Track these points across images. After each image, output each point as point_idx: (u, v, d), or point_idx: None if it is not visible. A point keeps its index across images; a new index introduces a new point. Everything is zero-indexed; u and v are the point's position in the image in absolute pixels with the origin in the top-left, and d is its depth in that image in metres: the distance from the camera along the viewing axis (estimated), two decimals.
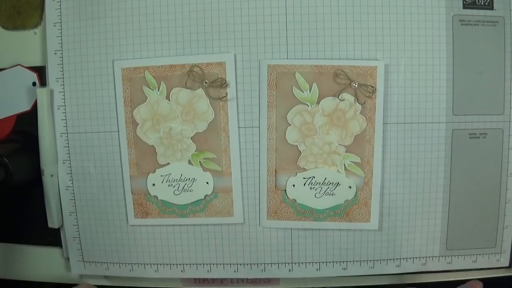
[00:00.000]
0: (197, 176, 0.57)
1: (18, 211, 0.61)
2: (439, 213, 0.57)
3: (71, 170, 0.59)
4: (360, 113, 0.54)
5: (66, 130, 0.58)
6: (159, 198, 0.58)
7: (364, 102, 0.54)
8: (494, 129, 0.56)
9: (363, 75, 0.54)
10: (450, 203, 0.56)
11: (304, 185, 0.56)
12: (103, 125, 0.57)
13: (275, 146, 0.56)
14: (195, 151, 0.56)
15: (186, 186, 0.57)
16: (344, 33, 0.54)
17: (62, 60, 0.57)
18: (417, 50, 0.54)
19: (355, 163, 0.55)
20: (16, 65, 0.59)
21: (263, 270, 0.59)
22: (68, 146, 0.58)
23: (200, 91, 0.55)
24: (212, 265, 0.59)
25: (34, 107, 0.58)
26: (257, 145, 0.56)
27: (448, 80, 0.54)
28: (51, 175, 0.58)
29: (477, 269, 0.58)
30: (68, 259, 0.61)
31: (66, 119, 0.58)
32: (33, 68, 0.58)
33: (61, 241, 0.61)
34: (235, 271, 0.59)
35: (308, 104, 0.54)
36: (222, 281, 0.60)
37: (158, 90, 0.56)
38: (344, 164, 0.55)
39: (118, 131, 0.57)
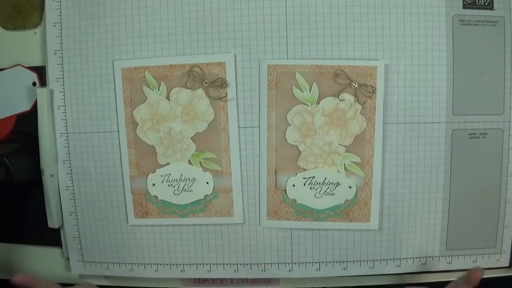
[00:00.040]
0: (197, 176, 0.57)
1: (18, 211, 0.61)
2: (439, 213, 0.57)
3: (71, 170, 0.59)
4: (360, 113, 0.54)
5: (66, 130, 0.58)
6: (159, 198, 0.58)
7: (364, 102, 0.54)
8: (494, 129, 0.56)
9: (363, 75, 0.54)
10: (450, 203, 0.56)
11: (304, 185, 0.56)
12: (103, 125, 0.57)
13: (275, 146, 0.56)
14: (195, 151, 0.56)
15: (186, 186, 0.57)
16: (344, 33, 0.54)
17: (62, 60, 0.57)
18: (417, 50, 0.54)
19: (355, 163, 0.55)
20: (16, 65, 0.59)
21: (263, 270, 0.59)
22: (68, 146, 0.58)
23: (200, 91, 0.55)
24: (212, 265, 0.59)
25: (34, 107, 0.58)
26: (257, 145, 0.56)
27: (448, 80, 0.54)
28: (51, 175, 0.58)
29: None
30: (68, 259, 0.61)
31: (66, 119, 0.58)
32: (33, 68, 0.58)
33: (61, 241, 0.61)
34: (235, 271, 0.59)
35: (308, 104, 0.54)
36: (222, 281, 0.60)
37: (158, 90, 0.56)
38: (344, 164, 0.55)
39: (118, 131, 0.57)
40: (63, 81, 0.57)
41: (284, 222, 0.57)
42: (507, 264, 0.58)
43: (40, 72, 0.58)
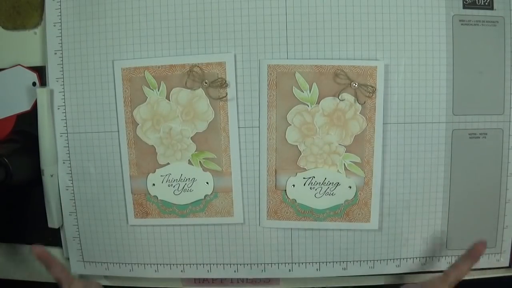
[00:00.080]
0: (197, 176, 0.57)
1: (18, 211, 0.61)
2: (439, 213, 0.57)
3: (71, 170, 0.59)
4: (360, 113, 0.54)
5: (66, 130, 0.58)
6: (159, 198, 0.58)
7: (364, 102, 0.54)
8: (494, 129, 0.56)
9: (363, 75, 0.54)
10: (450, 203, 0.56)
11: (304, 185, 0.56)
12: (103, 125, 0.57)
13: (275, 146, 0.56)
14: (195, 151, 0.56)
15: (186, 186, 0.57)
16: (344, 33, 0.54)
17: (62, 60, 0.57)
18: (417, 50, 0.54)
19: (355, 163, 0.55)
20: (16, 65, 0.59)
21: (263, 270, 0.59)
22: (68, 146, 0.58)
23: (200, 91, 0.55)
24: (212, 265, 0.59)
25: (34, 107, 0.58)
26: (257, 145, 0.56)
27: (448, 80, 0.54)
28: (51, 175, 0.58)
29: (477, 269, 0.58)
30: (68, 259, 0.61)
31: (66, 119, 0.58)
32: (33, 68, 0.58)
33: (61, 241, 0.61)
34: (235, 271, 0.59)
35: (308, 104, 0.54)
36: (222, 281, 0.60)
37: (158, 90, 0.56)
38: (344, 164, 0.55)
39: (118, 131, 0.57)
40: (63, 81, 0.57)
41: (284, 222, 0.57)
42: (507, 264, 0.58)
43: (40, 72, 0.58)
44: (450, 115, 0.55)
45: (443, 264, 0.58)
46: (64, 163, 0.59)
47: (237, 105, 0.55)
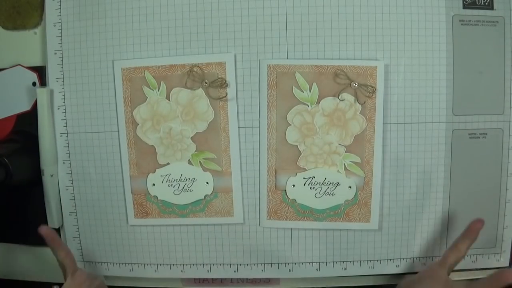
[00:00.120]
0: (197, 176, 0.57)
1: (18, 211, 0.61)
2: (439, 213, 0.57)
3: (71, 170, 0.59)
4: (360, 113, 0.54)
5: (66, 130, 0.58)
6: (159, 198, 0.58)
7: (364, 102, 0.54)
8: (494, 129, 0.56)
9: (363, 75, 0.54)
10: (450, 203, 0.56)
11: (304, 185, 0.56)
12: (103, 125, 0.57)
13: (275, 146, 0.56)
14: (195, 151, 0.56)
15: (186, 186, 0.57)
16: (344, 33, 0.54)
17: (62, 60, 0.57)
18: (417, 50, 0.54)
19: (355, 163, 0.55)
20: (16, 65, 0.59)
21: (263, 270, 0.59)
22: (68, 146, 0.58)
23: (200, 91, 0.55)
24: (212, 265, 0.59)
25: (34, 107, 0.58)
26: (257, 145, 0.56)
27: (448, 80, 0.54)
28: (51, 175, 0.58)
29: (477, 269, 0.58)
30: None
31: (66, 119, 0.58)
32: (33, 68, 0.58)
33: None
34: (235, 271, 0.59)
35: (308, 104, 0.54)
36: (222, 281, 0.60)
37: (158, 90, 0.56)
38: (344, 164, 0.55)
39: (118, 131, 0.57)
40: (63, 81, 0.57)
41: (284, 222, 0.57)
42: (507, 264, 0.58)
43: (40, 72, 0.58)
44: (450, 115, 0.55)
45: None
46: (64, 163, 0.59)
47: (237, 105, 0.55)
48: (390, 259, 0.58)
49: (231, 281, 0.60)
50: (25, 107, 0.59)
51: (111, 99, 0.57)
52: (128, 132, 0.57)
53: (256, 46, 0.55)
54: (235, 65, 0.55)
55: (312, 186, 0.56)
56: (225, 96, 0.55)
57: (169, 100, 0.56)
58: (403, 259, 0.58)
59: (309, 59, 0.54)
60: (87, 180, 0.58)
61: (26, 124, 0.59)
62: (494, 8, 0.54)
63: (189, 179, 0.57)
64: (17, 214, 0.61)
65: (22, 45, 0.58)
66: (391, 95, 0.54)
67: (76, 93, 0.57)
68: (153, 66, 0.55)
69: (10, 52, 0.59)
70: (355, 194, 0.56)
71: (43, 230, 0.53)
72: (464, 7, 0.54)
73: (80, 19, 0.56)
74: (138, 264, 0.60)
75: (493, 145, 0.56)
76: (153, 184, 0.57)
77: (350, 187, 0.55)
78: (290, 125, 0.55)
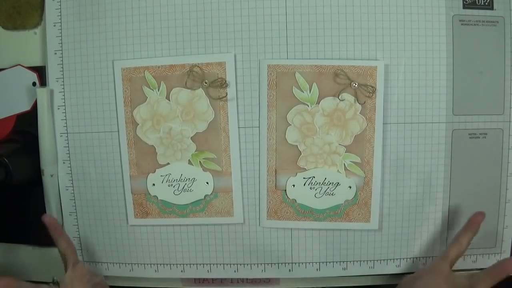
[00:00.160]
0: (197, 176, 0.57)
1: (18, 211, 0.61)
2: (439, 213, 0.57)
3: (71, 170, 0.59)
4: (360, 113, 0.54)
5: (66, 130, 0.58)
6: (159, 198, 0.58)
7: (364, 102, 0.54)
8: (494, 129, 0.56)
9: (363, 75, 0.54)
10: (450, 203, 0.56)
11: (304, 185, 0.56)
12: (103, 125, 0.57)
13: (275, 146, 0.56)
14: (195, 151, 0.56)
15: (186, 186, 0.57)
16: (344, 33, 0.54)
17: (62, 60, 0.57)
18: (417, 50, 0.54)
19: (355, 163, 0.55)
20: (16, 65, 0.59)
21: (263, 270, 0.59)
22: (68, 146, 0.58)
23: (200, 91, 0.55)
24: (212, 265, 0.59)
25: (34, 107, 0.58)
26: (257, 145, 0.56)
27: (448, 80, 0.54)
28: (51, 175, 0.58)
29: (477, 269, 0.58)
30: None
31: (66, 119, 0.58)
32: (33, 68, 0.58)
33: None
34: (235, 271, 0.59)
35: (308, 104, 0.54)
36: (222, 281, 0.60)
37: (158, 90, 0.56)
38: (344, 164, 0.55)
39: (118, 131, 0.57)
40: (63, 81, 0.57)
41: (284, 222, 0.57)
42: None
43: (40, 72, 0.58)
44: (450, 115, 0.55)
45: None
46: (64, 163, 0.59)
47: (237, 105, 0.55)
48: (390, 259, 0.58)
49: (231, 281, 0.60)
50: (25, 107, 0.59)
51: (111, 99, 0.57)
52: (128, 132, 0.57)
53: (256, 46, 0.55)
54: (235, 65, 0.55)
55: (312, 186, 0.56)
56: (225, 96, 0.55)
57: (169, 100, 0.56)
58: (403, 259, 0.58)
59: (309, 59, 0.54)
60: (87, 180, 0.58)
61: (26, 124, 0.59)
62: (494, 8, 0.54)
63: (189, 179, 0.57)
64: (17, 214, 0.61)
65: (22, 45, 0.58)
66: (391, 95, 0.54)
67: (76, 93, 0.57)
68: (153, 66, 0.55)
69: (10, 52, 0.59)
70: (355, 194, 0.56)
71: (46, 218, 0.54)
72: (464, 7, 0.54)
73: (80, 19, 0.56)
74: (138, 264, 0.60)
75: (493, 145, 0.56)
76: (153, 184, 0.57)
77: (350, 187, 0.55)
78: (290, 125, 0.55)
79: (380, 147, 0.55)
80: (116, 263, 0.60)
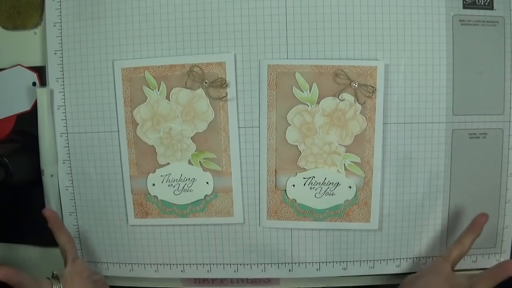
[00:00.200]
0: (197, 176, 0.57)
1: (18, 211, 0.61)
2: (439, 213, 0.57)
3: (71, 170, 0.59)
4: (360, 113, 0.54)
5: (66, 130, 0.58)
6: (159, 198, 0.58)
7: (364, 102, 0.54)
8: (494, 129, 0.56)
9: (363, 75, 0.54)
10: (450, 203, 0.56)
11: (304, 185, 0.56)
12: (103, 125, 0.57)
13: (275, 146, 0.56)
14: (195, 151, 0.56)
15: (186, 186, 0.57)
16: (344, 33, 0.54)
17: (62, 60, 0.57)
18: (417, 50, 0.54)
19: (355, 163, 0.55)
20: (16, 65, 0.59)
21: (263, 270, 0.59)
22: (68, 146, 0.58)
23: (200, 91, 0.55)
24: (212, 265, 0.59)
25: (34, 107, 0.58)
26: (257, 145, 0.56)
27: (448, 80, 0.54)
28: (51, 175, 0.58)
29: (477, 269, 0.58)
30: None
31: (66, 119, 0.58)
32: (33, 68, 0.58)
33: None
34: (235, 271, 0.59)
35: (308, 104, 0.54)
36: (222, 281, 0.60)
37: (158, 90, 0.56)
38: (344, 164, 0.55)
39: (118, 131, 0.57)
40: (63, 81, 0.57)
41: (284, 222, 0.57)
42: None
43: (40, 72, 0.58)
44: (450, 115, 0.55)
45: None
46: (64, 163, 0.59)
47: (237, 105, 0.55)
48: (390, 259, 0.58)
49: (231, 281, 0.60)
50: (25, 107, 0.59)
51: (111, 99, 0.57)
52: (128, 132, 0.57)
53: (256, 46, 0.55)
54: (235, 65, 0.55)
55: (312, 186, 0.56)
56: (225, 96, 0.55)
57: (169, 100, 0.56)
58: (403, 259, 0.58)
59: (309, 59, 0.54)
60: (87, 180, 0.58)
61: (26, 124, 0.59)
62: (494, 8, 0.54)
63: (189, 179, 0.57)
64: (17, 214, 0.61)
65: (22, 45, 0.59)
66: (391, 95, 0.54)
67: (76, 93, 0.57)
68: (153, 66, 0.55)
69: (10, 52, 0.59)
70: (355, 194, 0.56)
71: (46, 211, 0.54)
72: (464, 7, 0.54)
73: (80, 19, 0.56)
74: (138, 264, 0.60)
75: (493, 145, 0.56)
76: (153, 184, 0.57)
77: (350, 187, 0.55)
78: (290, 125, 0.55)
79: (380, 147, 0.55)
80: (116, 263, 0.60)
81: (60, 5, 0.56)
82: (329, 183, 0.55)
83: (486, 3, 0.54)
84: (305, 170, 0.55)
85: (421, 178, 0.56)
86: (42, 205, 0.59)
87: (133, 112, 0.56)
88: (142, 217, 0.58)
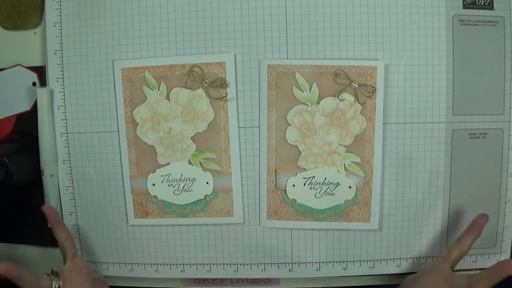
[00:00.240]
0: (197, 176, 0.57)
1: (18, 211, 0.61)
2: (439, 213, 0.57)
3: (71, 170, 0.59)
4: (360, 113, 0.54)
5: (66, 130, 0.58)
6: (159, 198, 0.58)
7: (364, 102, 0.54)
8: (494, 129, 0.56)
9: (363, 75, 0.54)
10: (450, 203, 0.56)
11: (304, 185, 0.56)
12: (103, 125, 0.57)
13: (275, 146, 0.56)
14: (195, 151, 0.56)
15: (186, 186, 0.57)
16: (344, 33, 0.54)
17: (62, 60, 0.57)
18: (417, 50, 0.54)
19: (355, 163, 0.55)
20: (16, 65, 0.59)
21: (263, 270, 0.59)
22: (68, 146, 0.58)
23: (200, 91, 0.55)
24: (212, 265, 0.59)
25: (34, 107, 0.58)
26: (257, 145, 0.56)
27: (448, 80, 0.54)
28: (51, 175, 0.58)
29: (477, 269, 0.58)
30: None
31: (66, 119, 0.58)
32: (33, 68, 0.58)
33: None
34: (235, 271, 0.59)
35: (308, 104, 0.54)
36: (222, 281, 0.60)
37: (158, 90, 0.56)
38: (344, 164, 0.55)
39: (118, 131, 0.57)
40: (63, 81, 0.57)
41: (284, 222, 0.57)
42: None
43: (40, 72, 0.58)
44: (450, 115, 0.55)
45: None
46: (64, 163, 0.59)
47: (237, 105, 0.55)
48: (390, 259, 0.58)
49: (231, 281, 0.60)
50: (25, 107, 0.59)
51: (111, 99, 0.57)
52: (128, 132, 0.57)
53: (256, 46, 0.55)
54: (235, 65, 0.55)
55: (312, 186, 0.56)
56: (225, 96, 0.55)
57: (169, 100, 0.56)
58: (403, 259, 0.58)
59: (309, 59, 0.54)
60: (87, 180, 0.58)
61: (26, 124, 0.59)
62: (494, 8, 0.54)
63: (189, 179, 0.57)
64: (17, 214, 0.61)
65: (22, 45, 0.59)
66: (391, 95, 0.54)
67: (76, 93, 0.57)
68: (153, 66, 0.55)
69: (10, 52, 0.59)
70: (355, 194, 0.56)
71: (45, 208, 0.55)
72: (464, 7, 0.54)
73: (80, 19, 0.56)
74: (138, 264, 0.60)
75: (493, 145, 0.56)
76: (153, 184, 0.57)
77: (350, 187, 0.55)
78: (290, 125, 0.55)
79: (380, 147, 0.55)
80: (116, 263, 0.60)
81: (60, 5, 0.56)
82: (329, 183, 0.55)
83: (486, 3, 0.54)
84: (305, 170, 0.55)
85: (421, 178, 0.56)
86: (42, 205, 0.59)
87: (133, 112, 0.56)
88: (142, 217, 0.58)
